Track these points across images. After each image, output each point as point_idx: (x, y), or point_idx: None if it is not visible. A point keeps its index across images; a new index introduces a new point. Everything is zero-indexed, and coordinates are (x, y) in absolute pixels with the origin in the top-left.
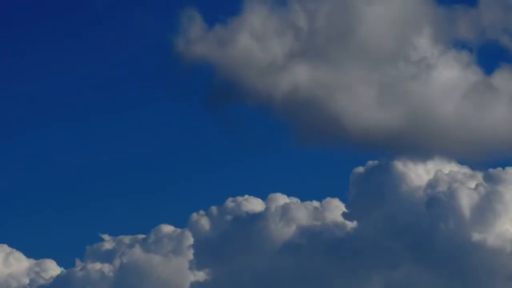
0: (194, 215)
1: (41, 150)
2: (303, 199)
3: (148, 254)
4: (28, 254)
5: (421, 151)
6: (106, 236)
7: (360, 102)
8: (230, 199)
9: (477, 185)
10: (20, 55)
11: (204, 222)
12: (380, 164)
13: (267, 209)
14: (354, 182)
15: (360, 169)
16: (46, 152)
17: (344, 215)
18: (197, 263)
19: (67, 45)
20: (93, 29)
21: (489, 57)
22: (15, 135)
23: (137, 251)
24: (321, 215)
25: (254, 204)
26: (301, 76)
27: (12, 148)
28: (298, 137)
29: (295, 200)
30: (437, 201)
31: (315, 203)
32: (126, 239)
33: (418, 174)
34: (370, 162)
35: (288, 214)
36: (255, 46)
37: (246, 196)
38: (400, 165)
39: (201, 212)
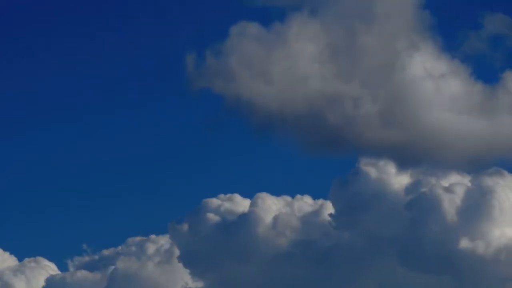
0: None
1: (41, 150)
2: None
3: (135, 263)
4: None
5: (415, 157)
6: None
7: (363, 115)
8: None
9: (467, 189)
10: (20, 55)
11: (191, 226)
12: (356, 170)
13: (252, 210)
14: (335, 192)
15: (340, 178)
16: (46, 152)
17: (331, 224)
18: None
19: (67, 45)
20: (92, 29)
21: (489, 69)
22: (15, 135)
23: (125, 259)
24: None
25: (241, 204)
26: (301, 89)
27: (12, 148)
28: (301, 147)
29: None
30: (423, 206)
31: (307, 198)
32: (107, 251)
33: (404, 179)
34: (349, 175)
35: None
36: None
37: (229, 195)
38: (379, 171)
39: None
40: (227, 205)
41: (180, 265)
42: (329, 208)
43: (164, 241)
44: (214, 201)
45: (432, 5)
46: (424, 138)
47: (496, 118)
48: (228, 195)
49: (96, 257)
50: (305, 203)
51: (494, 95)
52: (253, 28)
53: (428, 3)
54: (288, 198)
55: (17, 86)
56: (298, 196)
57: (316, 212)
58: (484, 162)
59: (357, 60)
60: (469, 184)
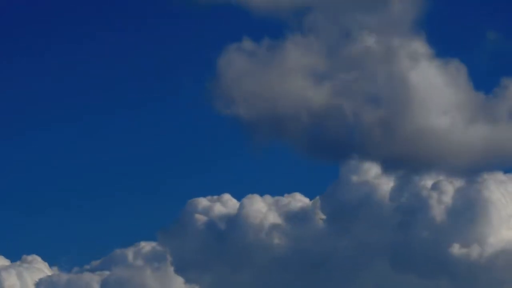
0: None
1: (41, 150)
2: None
3: (128, 269)
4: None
5: (411, 163)
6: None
7: (362, 123)
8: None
9: (458, 192)
10: (20, 55)
11: (181, 231)
12: (351, 176)
13: (241, 212)
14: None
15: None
16: (46, 152)
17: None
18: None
19: (67, 45)
20: (92, 29)
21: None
22: (15, 135)
23: (118, 265)
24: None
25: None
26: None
27: (12, 148)
28: (296, 151)
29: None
30: (418, 211)
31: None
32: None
33: (398, 184)
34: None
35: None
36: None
37: (216, 196)
38: (373, 177)
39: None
40: (216, 206)
41: (172, 269)
42: (320, 214)
43: (156, 246)
44: (203, 202)
45: (432, 14)
46: (423, 144)
47: (493, 125)
48: (216, 196)
49: (89, 260)
50: (299, 201)
51: (492, 103)
52: (249, 44)
53: (428, 12)
54: (280, 199)
55: (17, 86)
56: (290, 198)
57: (308, 215)
58: (480, 167)
59: (355, 70)
60: (465, 188)
